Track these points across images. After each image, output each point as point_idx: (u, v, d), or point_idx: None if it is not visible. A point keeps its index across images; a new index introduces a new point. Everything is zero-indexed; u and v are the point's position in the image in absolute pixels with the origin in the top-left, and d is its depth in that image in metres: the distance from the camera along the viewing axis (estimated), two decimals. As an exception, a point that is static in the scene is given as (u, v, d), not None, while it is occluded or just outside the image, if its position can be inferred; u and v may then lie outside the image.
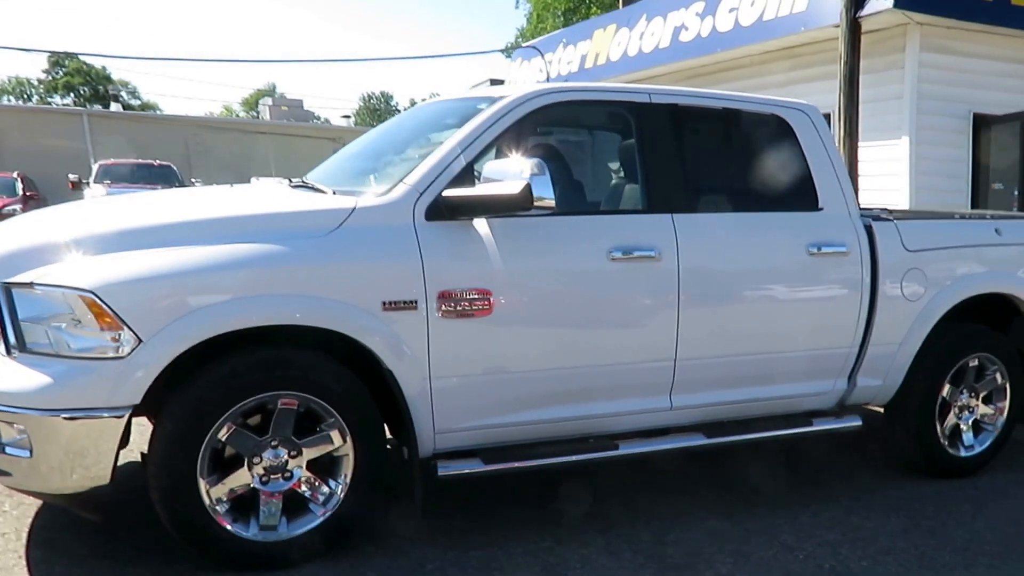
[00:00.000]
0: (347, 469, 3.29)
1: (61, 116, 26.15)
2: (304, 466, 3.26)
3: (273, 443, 3.19)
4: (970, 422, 4.62)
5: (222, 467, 3.15)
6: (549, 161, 4.42)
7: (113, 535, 3.50)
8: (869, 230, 4.19)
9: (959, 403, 4.57)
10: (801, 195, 4.14)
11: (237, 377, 3.07)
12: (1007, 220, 4.75)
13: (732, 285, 3.85)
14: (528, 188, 3.21)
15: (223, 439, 3.10)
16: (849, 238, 4.10)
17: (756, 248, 3.92)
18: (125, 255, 3.04)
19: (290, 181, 4.31)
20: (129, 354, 2.93)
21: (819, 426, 4.18)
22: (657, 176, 3.83)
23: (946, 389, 4.48)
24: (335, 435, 3.26)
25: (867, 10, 7.32)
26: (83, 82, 60.79)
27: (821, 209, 4.12)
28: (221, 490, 3.12)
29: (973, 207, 7.58)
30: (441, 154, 3.51)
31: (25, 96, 62.98)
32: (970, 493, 4.37)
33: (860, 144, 7.43)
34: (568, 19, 27.44)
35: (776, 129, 4.20)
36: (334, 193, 3.65)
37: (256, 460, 3.17)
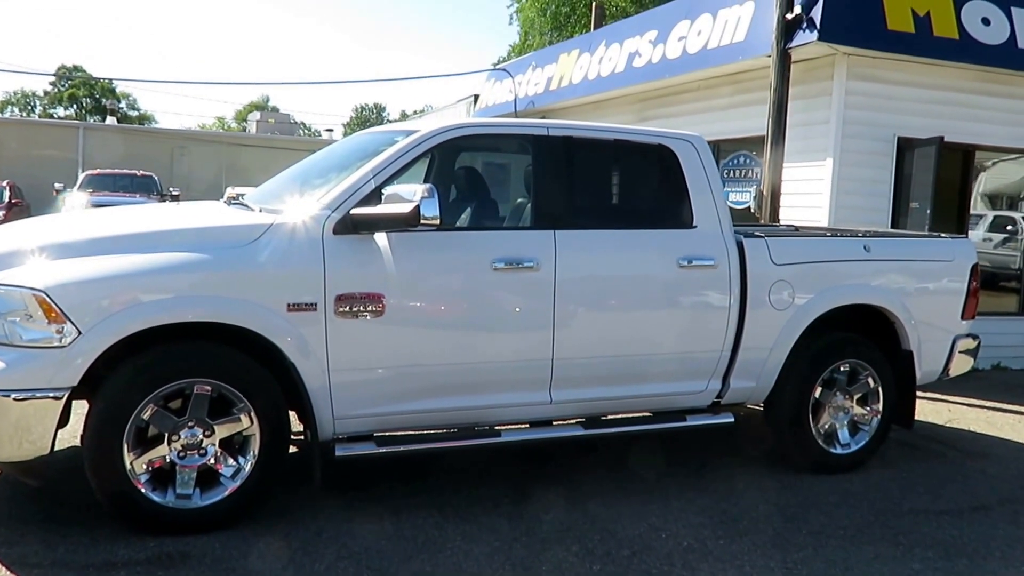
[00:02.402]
0: (254, 448, 3.80)
1: (59, 129, 26.89)
2: (217, 444, 3.76)
3: (190, 423, 3.70)
4: (846, 422, 5.11)
5: (145, 443, 3.66)
6: (468, 183, 5.05)
7: (56, 501, 4.02)
8: (740, 246, 4.69)
9: (833, 404, 5.05)
10: (677, 215, 4.66)
11: (158, 366, 3.60)
12: (878, 238, 5.26)
13: (605, 292, 4.37)
14: (416, 208, 3.74)
15: (146, 418, 3.62)
16: (718, 253, 4.61)
17: (629, 260, 4.44)
18: (75, 261, 3.58)
19: (227, 200, 4.86)
20: (70, 344, 3.45)
21: (693, 422, 4.68)
22: (544, 197, 4.36)
23: (818, 391, 4.97)
24: (244, 418, 3.77)
25: (796, 41, 7.82)
26: (87, 94, 61.93)
27: (695, 227, 4.63)
28: (143, 461, 3.63)
29: (893, 225, 8.07)
30: (354, 179, 4.05)
31: (29, 108, 64.14)
32: (841, 487, 4.84)
33: (786, 165, 7.94)
34: (553, 39, 28.10)
35: (662, 157, 4.72)
36: (260, 210, 4.19)
37: (175, 437, 3.69)
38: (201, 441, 3.73)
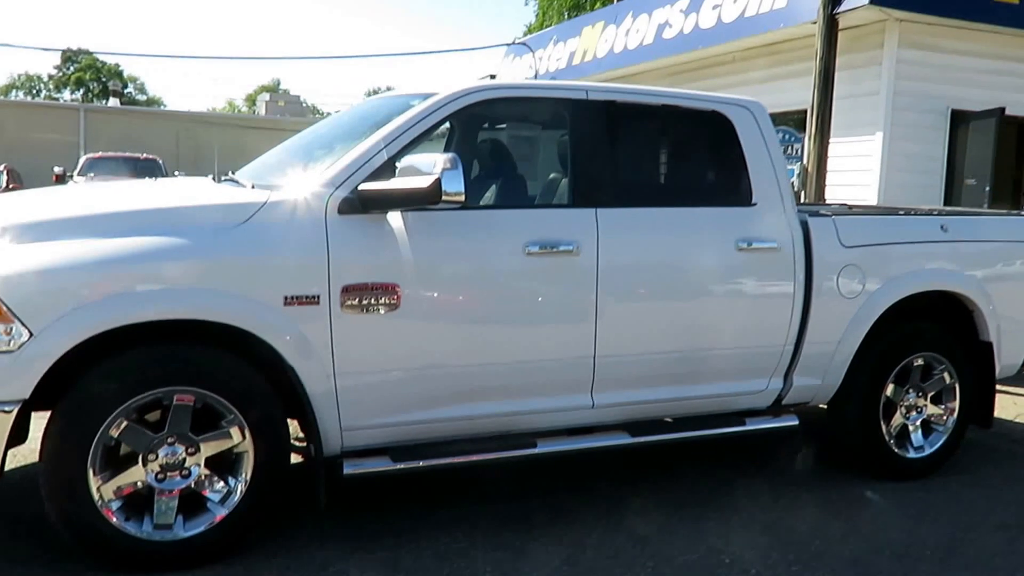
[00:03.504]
0: (247, 467, 3.23)
1: (60, 111, 26.33)
2: (202, 464, 3.20)
3: (169, 440, 3.14)
4: (918, 423, 4.52)
5: (116, 464, 3.10)
6: (494, 156, 4.44)
7: (12, 534, 3.46)
8: (805, 226, 4.09)
9: (905, 403, 4.46)
10: (734, 191, 4.06)
11: (129, 372, 3.02)
12: (956, 217, 4.64)
13: (654, 279, 3.77)
14: (437, 182, 3.15)
15: (115, 435, 3.05)
16: (781, 234, 4.00)
17: (681, 242, 3.84)
18: (26, 247, 3.00)
19: (217, 177, 4.26)
20: (19, 348, 2.88)
21: (752, 425, 4.09)
22: (584, 171, 3.76)
23: (890, 389, 4.38)
24: (234, 432, 3.20)
25: (844, 6, 7.20)
26: (94, 77, 61.34)
27: (755, 204, 4.02)
28: (113, 487, 3.07)
29: (946, 203, 7.45)
30: (362, 149, 3.45)
31: (35, 91, 63.55)
32: (917, 496, 4.26)
33: (832, 140, 7.31)
34: (572, 16, 27.35)
35: (716, 126, 4.11)
36: (253, 187, 3.61)
37: (151, 457, 3.12)
38: (183, 460, 3.16)
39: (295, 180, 3.49)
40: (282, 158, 4.06)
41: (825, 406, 4.47)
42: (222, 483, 3.23)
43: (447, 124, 3.93)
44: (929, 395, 4.51)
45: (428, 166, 3.19)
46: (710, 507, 4.00)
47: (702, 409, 4.06)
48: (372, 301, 3.29)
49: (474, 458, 3.54)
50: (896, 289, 4.26)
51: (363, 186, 3.32)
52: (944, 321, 4.60)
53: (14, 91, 63.00)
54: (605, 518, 3.83)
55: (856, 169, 7.46)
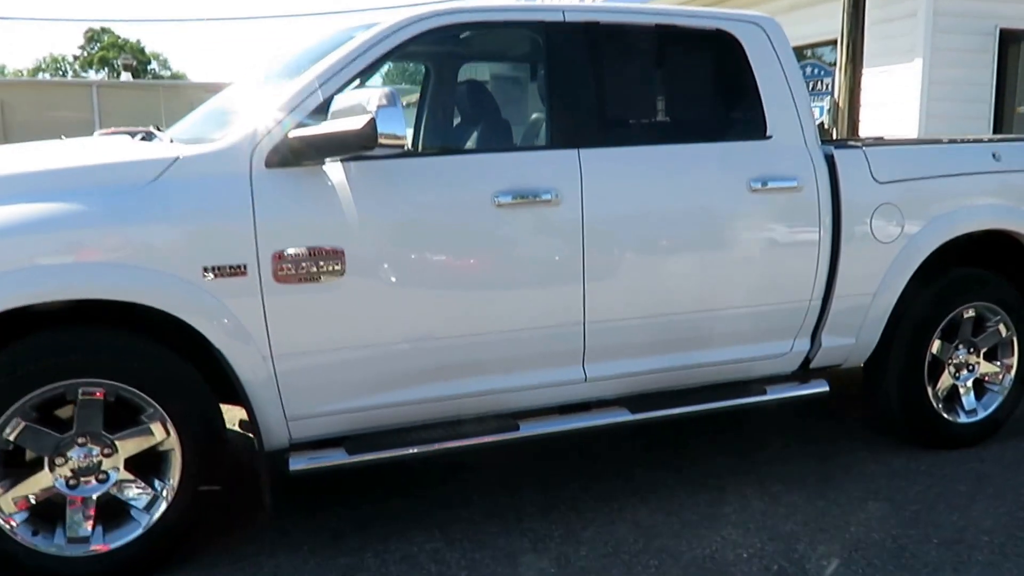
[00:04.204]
0: (175, 466, 2.77)
1: (71, 88, 26.05)
2: (121, 465, 2.75)
3: (80, 440, 2.69)
4: (970, 382, 3.93)
5: (16, 471, 2.66)
6: (472, 100, 3.89)
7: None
8: (830, 160, 3.49)
9: (955, 361, 3.87)
10: (745, 122, 3.47)
11: (19, 365, 2.56)
12: (1011, 143, 3.99)
13: (651, 230, 3.21)
14: (371, 123, 2.61)
15: (12, 438, 2.60)
16: (802, 170, 3.41)
17: (683, 185, 3.27)
18: None
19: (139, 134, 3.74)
20: None
21: (775, 394, 3.53)
22: (563, 106, 3.19)
23: (936, 345, 3.79)
24: (156, 428, 2.74)
25: (874, -84, 6.47)
26: (117, 56, 61.27)
27: (770, 137, 3.43)
28: (14, 496, 2.64)
29: (996, 134, 6.72)
30: (293, 90, 2.93)
31: (60, 72, 63.69)
32: (971, 468, 3.68)
33: (865, 71, 6.60)
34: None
35: (722, 48, 3.51)
36: (172, 142, 3.11)
37: (59, 461, 2.67)
38: (99, 463, 2.72)
39: (221, 131, 2.98)
40: (214, 110, 3.55)
41: (861, 368, 3.89)
42: (146, 487, 2.78)
43: (401, 54, 3.36)
44: (982, 351, 3.91)
45: (364, 104, 2.65)
46: (727, 490, 3.47)
47: (715, 378, 3.51)
48: (312, 268, 2.79)
49: (445, 446, 3.04)
50: (941, 230, 3.65)
51: (293, 133, 2.80)
52: (998, 266, 3.99)
53: (40, 73, 63.18)
54: (604, 506, 3.33)
55: (893, 101, 6.75)
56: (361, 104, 2.64)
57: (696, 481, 3.56)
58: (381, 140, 2.60)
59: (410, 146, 3.16)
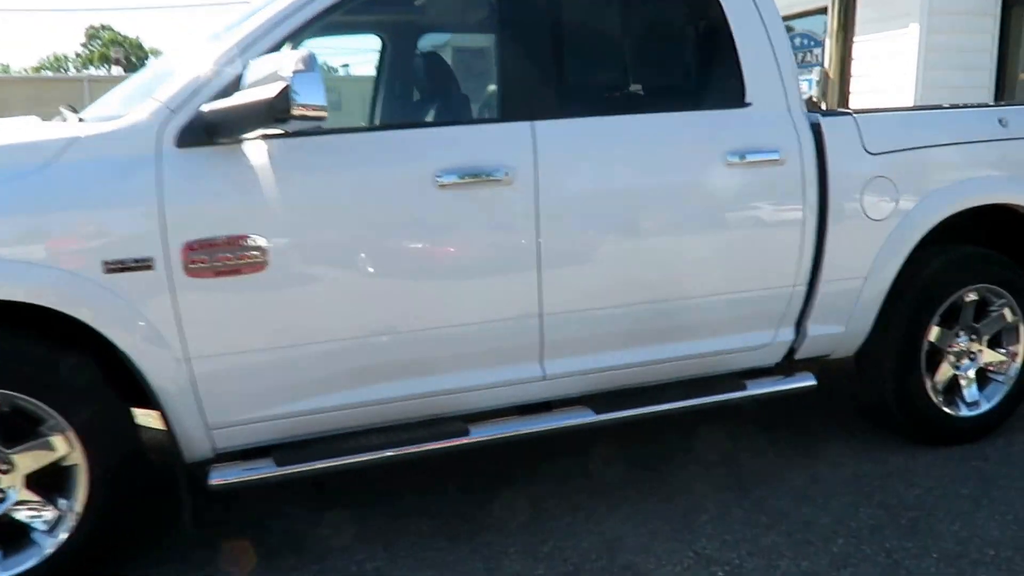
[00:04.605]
0: (81, 483, 2.49)
1: (64, 83, 25.76)
2: (20, 483, 2.46)
3: (-31, 456, 2.40)
4: (972, 372, 3.61)
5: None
6: (431, 73, 3.58)
7: None
8: (816, 129, 3.17)
9: (955, 349, 3.56)
10: (721, 88, 3.14)
11: None
12: (1019, 108, 3.64)
13: (615, 212, 2.89)
14: (285, 91, 2.29)
15: None
16: (785, 141, 3.09)
17: (651, 159, 2.95)
18: None
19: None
20: None
21: (755, 390, 3.23)
22: (516, 74, 2.87)
23: (935, 332, 3.47)
24: (58, 440, 2.45)
25: None
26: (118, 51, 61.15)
27: (748, 105, 3.10)
28: None
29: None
30: (211, 58, 2.61)
31: (63, 71, 63.48)
32: (974, 467, 3.37)
33: (857, 38, 6.23)
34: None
35: (693, 3, 3.19)
36: (80, 120, 2.80)
37: (-53, 480, 2.39)
38: (-8, 481, 2.43)
39: (127, 109, 2.66)
40: (133, 85, 3.22)
41: (853, 358, 3.57)
42: (50, 507, 2.50)
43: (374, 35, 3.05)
44: (985, 338, 3.60)
45: (278, 70, 2.33)
46: (705, 495, 3.18)
47: (689, 372, 3.20)
48: (230, 261, 2.48)
49: (385, 455, 2.74)
50: (940, 206, 3.32)
51: (206, 107, 2.49)
52: (1003, 244, 3.67)
53: (44, 71, 62.93)
54: (568, 514, 3.04)
55: (887, 71, 6.38)
56: (277, 71, 2.32)
57: (671, 484, 3.27)
58: (296, 111, 2.28)
59: (364, 122, 2.84)
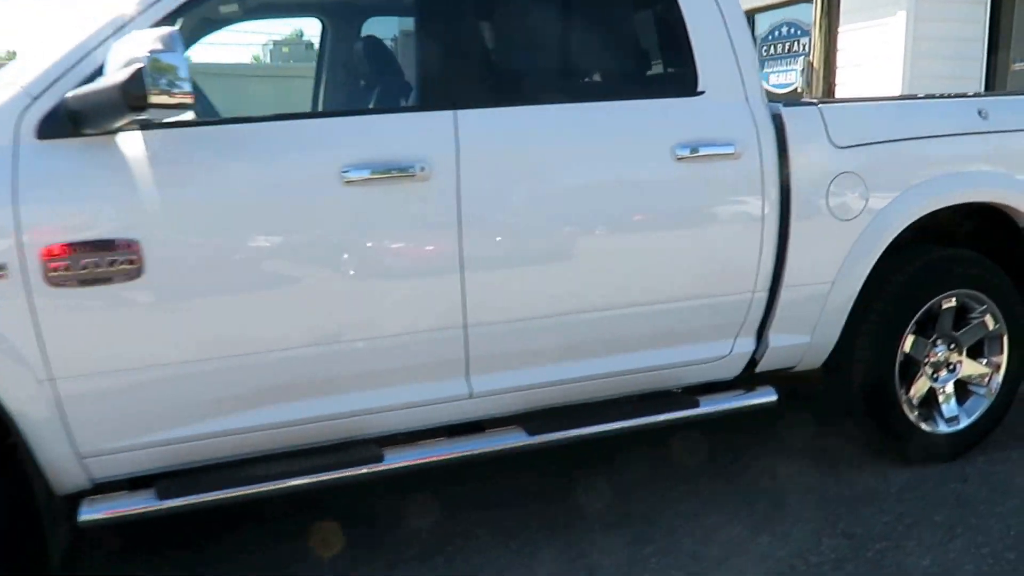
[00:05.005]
0: (-73, 522, 2.18)
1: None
2: None
3: None
4: (951, 385, 3.32)
5: None
6: (371, 60, 3.28)
7: None
8: (778, 120, 2.87)
9: (932, 360, 3.26)
10: (671, 74, 2.85)
11: None
12: (1001, 98, 3.35)
13: (548, 211, 2.59)
14: (138, 75, 1.98)
15: None
16: (743, 133, 2.79)
17: (588, 153, 2.64)
18: None
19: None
20: None
21: (709, 407, 2.93)
22: (437, 57, 2.56)
23: (909, 342, 3.17)
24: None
25: None
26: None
27: (701, 93, 2.80)
28: None
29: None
30: (79, 39, 2.30)
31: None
32: (952, 490, 3.08)
33: (843, 28, 5.93)
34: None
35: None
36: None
37: None
38: None
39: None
40: (11, 70, 2.90)
41: (820, 369, 3.28)
42: None
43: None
44: (965, 347, 3.30)
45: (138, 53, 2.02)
46: (653, 521, 2.89)
47: (638, 388, 2.91)
48: (98, 267, 2.17)
49: (286, 484, 2.44)
50: (914, 204, 3.03)
51: (71, 93, 2.18)
52: (985, 245, 3.38)
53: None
54: (499, 545, 2.75)
55: (874, 61, 6.08)
56: (135, 53, 2.02)
57: (616, 509, 2.98)
58: (154, 98, 1.97)
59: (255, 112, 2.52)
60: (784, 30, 7.32)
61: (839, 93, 6.03)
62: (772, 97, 2.97)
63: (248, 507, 2.59)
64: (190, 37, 3.25)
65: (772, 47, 7.39)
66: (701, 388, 3.03)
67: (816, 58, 5.92)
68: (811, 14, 6.25)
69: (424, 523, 2.88)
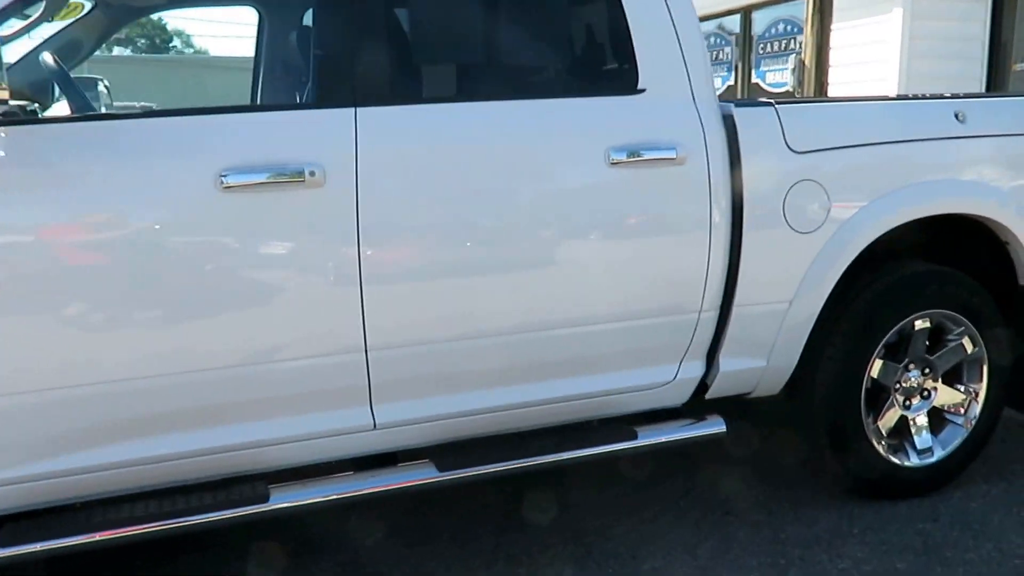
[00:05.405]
0: None
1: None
2: None
3: None
4: (924, 414, 3.03)
5: None
6: (274, 42, 3.01)
7: None
8: (729, 122, 2.58)
9: (904, 386, 2.97)
10: (607, 70, 2.58)
11: None
12: (980, 100, 3.06)
13: (462, 221, 2.31)
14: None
15: None
16: (688, 135, 2.50)
17: (510, 157, 2.36)
18: None
19: None
20: None
21: (649, 439, 2.64)
22: (337, 48, 2.29)
23: (878, 366, 2.89)
24: None
25: None
26: (136, 33, 60.80)
27: (642, 91, 2.51)
28: None
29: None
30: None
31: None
32: (920, 531, 2.80)
33: (836, 25, 5.62)
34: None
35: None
36: None
37: None
38: None
39: None
40: None
41: (781, 396, 2.99)
42: None
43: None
44: (940, 372, 3.01)
45: None
46: (585, 567, 2.60)
47: (572, 416, 2.63)
48: (-69, 282, 1.92)
49: (157, 527, 2.17)
50: (881, 216, 2.74)
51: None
52: (962, 260, 3.08)
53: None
54: (409, 596, 2.47)
55: (868, 60, 5.76)
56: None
57: (557, 544, 2.69)
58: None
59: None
60: (780, 27, 7.01)
61: (832, 93, 5.72)
62: (768, 96, 2.69)
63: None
64: (108, 24, 3.01)
65: (768, 45, 7.09)
66: (647, 416, 2.75)
67: (808, 56, 5.62)
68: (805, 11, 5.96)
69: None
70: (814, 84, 5.70)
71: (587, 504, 2.97)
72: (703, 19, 8.00)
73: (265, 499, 2.25)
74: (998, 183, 2.92)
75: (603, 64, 2.59)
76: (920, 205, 2.77)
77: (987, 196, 2.90)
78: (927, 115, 2.87)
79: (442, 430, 2.45)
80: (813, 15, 5.61)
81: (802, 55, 5.82)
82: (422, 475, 2.39)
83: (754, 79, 7.12)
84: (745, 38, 7.26)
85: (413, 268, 2.28)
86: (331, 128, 2.21)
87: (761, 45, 7.37)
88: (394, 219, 2.24)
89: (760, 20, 7.46)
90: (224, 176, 2.09)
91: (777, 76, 7.13)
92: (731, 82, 7.68)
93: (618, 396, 2.63)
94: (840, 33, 5.72)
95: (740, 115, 2.60)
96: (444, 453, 2.44)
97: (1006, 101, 3.17)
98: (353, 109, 2.23)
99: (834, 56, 5.69)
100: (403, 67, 2.39)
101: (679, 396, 2.74)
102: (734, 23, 7.44)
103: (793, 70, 6.11)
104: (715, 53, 7.91)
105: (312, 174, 2.15)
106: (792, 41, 7.04)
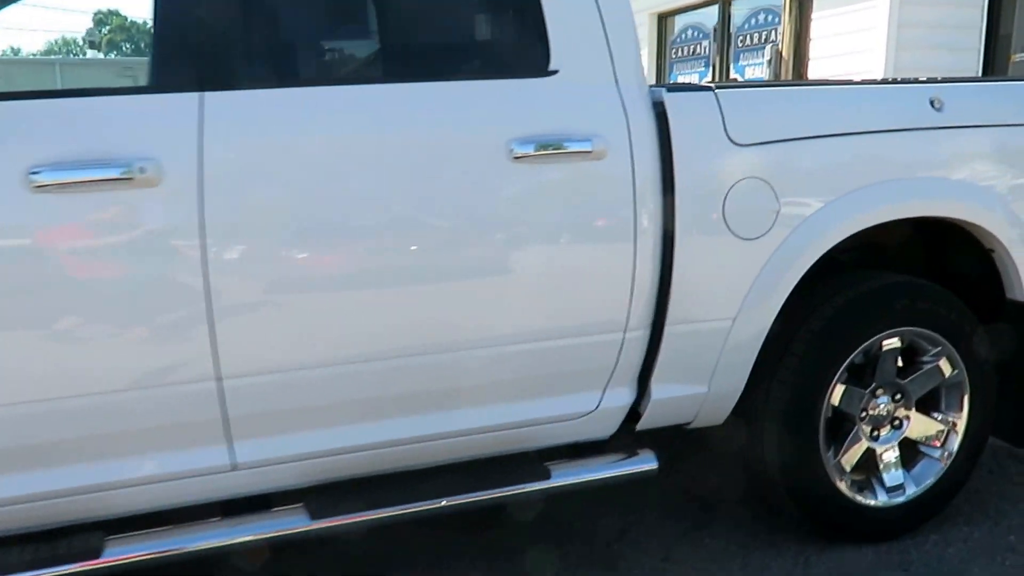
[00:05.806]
0: None
1: (34, 66, 25.20)
2: None
3: None
4: (894, 446, 2.65)
5: None
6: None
7: None
8: (660, 109, 2.22)
9: (871, 414, 2.60)
10: (510, 47, 2.22)
11: None
12: (961, 85, 2.68)
13: (333, 226, 1.96)
14: None
15: None
16: (607, 125, 2.14)
17: (393, 151, 2.00)
18: None
19: None
20: None
21: (564, 479, 2.28)
22: (179, 21, 1.94)
23: (839, 392, 2.52)
24: None
25: None
26: (124, 38, 61.19)
27: (553, 73, 2.16)
28: None
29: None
30: None
31: (73, 55, 63.60)
32: None
33: (817, 14, 5.24)
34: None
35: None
36: None
37: None
38: None
39: None
40: None
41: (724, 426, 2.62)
42: None
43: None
44: (914, 399, 2.63)
45: None
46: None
47: (478, 451, 2.27)
48: None
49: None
50: (840, 219, 2.37)
51: None
52: (939, 270, 2.72)
53: (52, 55, 63.18)
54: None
55: (852, 50, 5.37)
56: None
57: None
58: None
59: None
60: (760, 18, 6.63)
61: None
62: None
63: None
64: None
65: (747, 37, 6.71)
66: (572, 450, 2.39)
67: (786, 47, 5.23)
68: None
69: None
70: (792, 78, 5.33)
71: (535, 531, 2.61)
72: (681, 11, 7.63)
73: (97, 554, 1.90)
74: (981, 182, 2.56)
75: (507, 40, 2.24)
76: (885, 207, 2.40)
77: (967, 197, 2.53)
78: (896, 102, 2.49)
79: (320, 469, 2.10)
80: (791, 2, 5.23)
81: (779, 46, 5.43)
82: (291, 523, 2.04)
83: (732, 74, 6.76)
84: (724, 31, 6.88)
85: (273, 281, 1.93)
86: (170, 116, 1.86)
87: (740, 38, 7.00)
88: (248, 224, 1.89)
89: (739, 11, 7.07)
90: (35, 173, 1.75)
91: (757, 71, 6.75)
92: (708, 78, 7.31)
93: (531, 428, 2.27)
94: (821, 22, 5.34)
95: (672, 102, 2.23)
96: (320, 497, 2.08)
97: (990, 86, 2.79)
98: (199, 94, 1.88)
99: (814, 47, 5.31)
100: (262, 45, 2.04)
101: (605, 428, 2.38)
102: (712, 15, 7.04)
103: (769, 61, 5.72)
104: (692, 47, 7.53)
105: (142, 171, 1.80)
106: (773, 32, 6.68)
